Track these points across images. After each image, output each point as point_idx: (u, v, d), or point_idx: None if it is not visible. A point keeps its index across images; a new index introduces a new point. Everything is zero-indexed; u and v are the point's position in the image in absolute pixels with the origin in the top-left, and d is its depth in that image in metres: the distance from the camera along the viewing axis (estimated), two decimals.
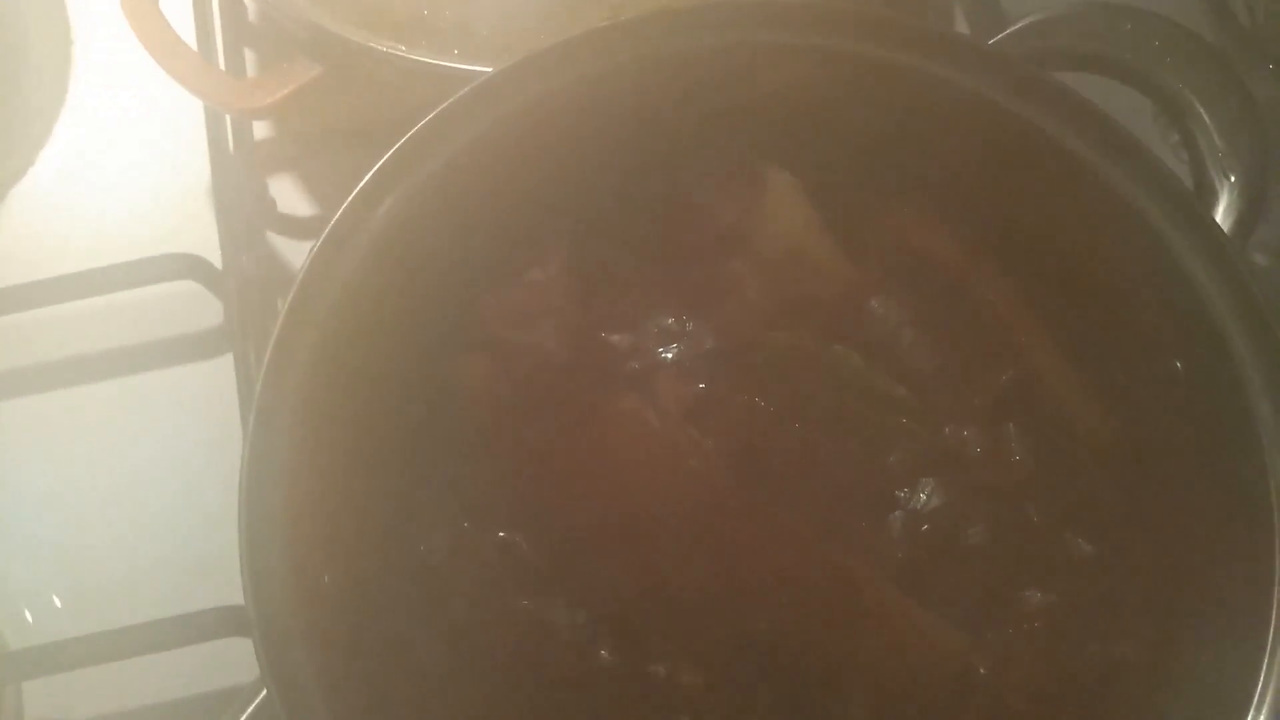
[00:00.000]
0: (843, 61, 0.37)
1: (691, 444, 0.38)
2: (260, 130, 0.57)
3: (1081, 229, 0.38)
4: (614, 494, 0.38)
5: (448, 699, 0.36)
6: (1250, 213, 0.37)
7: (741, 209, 0.40)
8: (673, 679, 0.37)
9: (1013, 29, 0.39)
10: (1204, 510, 0.36)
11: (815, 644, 0.37)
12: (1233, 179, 0.37)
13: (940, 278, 0.40)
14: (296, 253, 0.55)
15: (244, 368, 0.52)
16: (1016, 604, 0.37)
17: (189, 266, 0.52)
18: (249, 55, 0.57)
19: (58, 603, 0.50)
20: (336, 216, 0.37)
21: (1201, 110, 0.38)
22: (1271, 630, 0.32)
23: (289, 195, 0.56)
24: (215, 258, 0.53)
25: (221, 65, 0.56)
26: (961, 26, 0.52)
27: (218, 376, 0.53)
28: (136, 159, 0.58)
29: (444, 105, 0.37)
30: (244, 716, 0.36)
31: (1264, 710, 0.31)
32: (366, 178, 0.37)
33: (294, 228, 0.56)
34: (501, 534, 0.39)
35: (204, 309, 0.54)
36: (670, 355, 0.40)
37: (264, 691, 0.35)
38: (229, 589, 0.47)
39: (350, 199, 0.37)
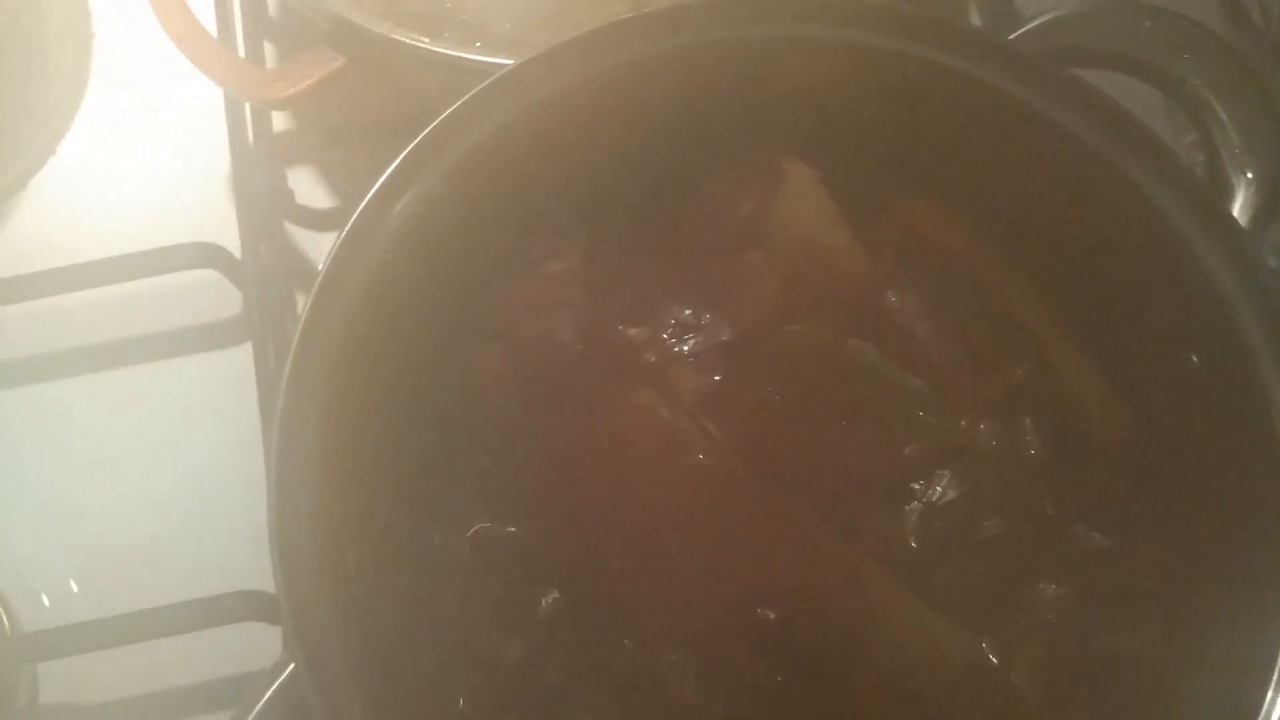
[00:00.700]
0: (861, 55, 0.38)
1: (703, 438, 0.38)
2: (279, 121, 0.57)
3: (1098, 223, 0.38)
4: (626, 487, 0.39)
5: (468, 680, 0.36)
6: (1267, 209, 0.37)
7: (759, 201, 0.41)
8: (678, 673, 0.37)
9: (1029, 26, 0.39)
10: (1217, 502, 0.36)
11: (821, 641, 0.37)
12: (1249, 175, 0.38)
13: (956, 271, 0.41)
14: (314, 243, 0.56)
15: (262, 356, 0.52)
16: (1030, 595, 0.37)
17: (209, 255, 0.53)
18: (268, 46, 0.58)
19: (74, 587, 0.51)
20: (359, 210, 0.37)
21: (1218, 107, 0.39)
22: None
23: (308, 186, 0.57)
24: (234, 247, 0.54)
25: (242, 56, 0.56)
26: (974, 22, 0.52)
27: (236, 364, 0.53)
28: (156, 149, 0.58)
29: (464, 99, 0.37)
30: (262, 701, 0.36)
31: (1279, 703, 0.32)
32: (389, 171, 0.37)
33: (312, 219, 0.56)
34: (512, 529, 0.39)
35: (223, 298, 0.54)
36: (686, 347, 0.40)
37: (282, 676, 0.36)
38: (245, 574, 0.48)
39: (372, 192, 0.37)
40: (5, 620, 0.49)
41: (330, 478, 0.34)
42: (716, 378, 0.40)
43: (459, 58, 0.44)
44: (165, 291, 0.54)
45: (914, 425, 0.39)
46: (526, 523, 0.39)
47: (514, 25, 0.47)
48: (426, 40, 0.44)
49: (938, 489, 0.39)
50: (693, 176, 0.41)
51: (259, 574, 0.45)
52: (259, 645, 0.47)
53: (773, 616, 0.37)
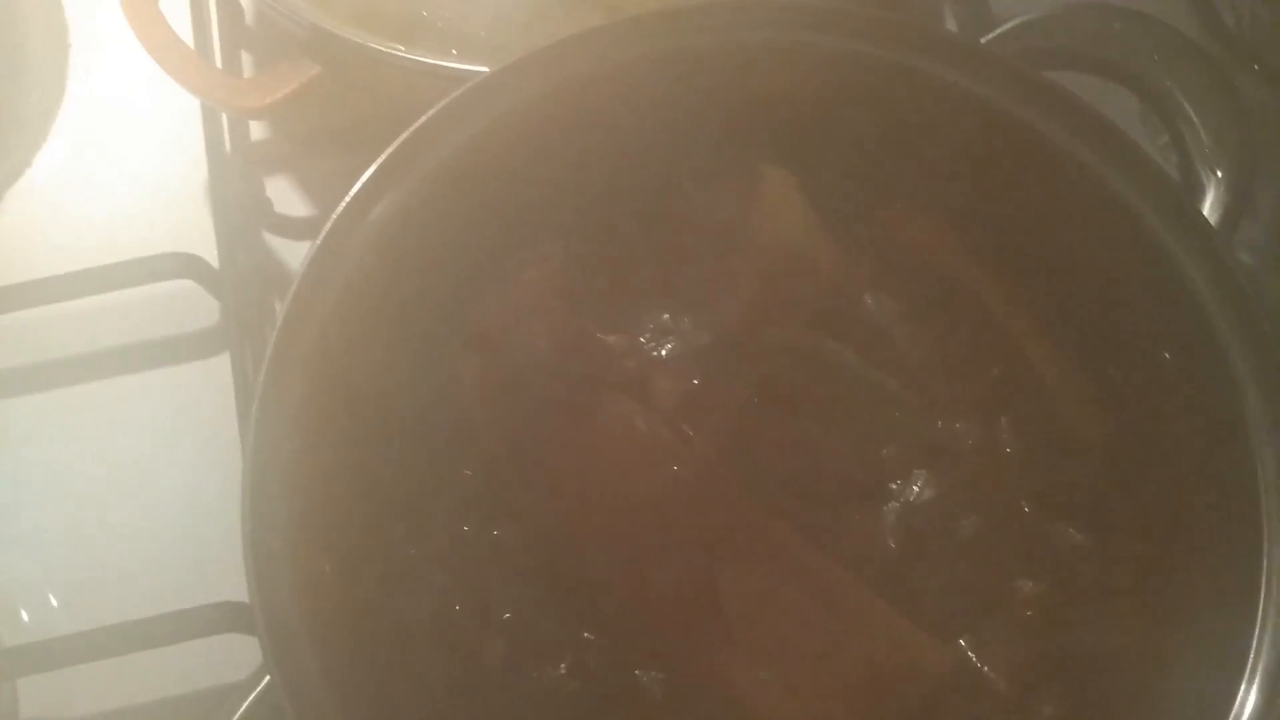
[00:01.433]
0: (837, 60, 0.38)
1: (680, 448, 0.38)
2: (257, 130, 0.57)
3: (1072, 224, 0.39)
4: (604, 496, 0.39)
5: (447, 684, 0.36)
6: (1236, 207, 0.38)
7: (737, 206, 0.41)
8: (650, 684, 0.37)
9: (1002, 29, 0.40)
10: (1193, 498, 0.37)
11: (792, 650, 0.37)
12: (1219, 174, 0.38)
13: (933, 273, 0.41)
14: (293, 252, 0.56)
15: (240, 366, 0.52)
16: (1008, 593, 0.38)
17: (186, 265, 0.52)
18: (245, 56, 0.58)
19: (54, 601, 0.50)
20: (334, 217, 0.37)
21: (1189, 108, 0.39)
22: (1259, 615, 0.33)
23: (285, 195, 0.57)
24: (212, 257, 0.54)
25: (218, 66, 0.56)
26: (950, 27, 0.53)
27: (214, 375, 0.53)
28: (133, 159, 0.58)
29: (438, 106, 0.37)
30: (240, 712, 0.36)
31: (1253, 693, 0.32)
32: (363, 178, 0.37)
33: (290, 227, 0.56)
34: (495, 532, 0.39)
35: (201, 308, 0.54)
36: (665, 351, 0.40)
37: (259, 687, 0.36)
38: (225, 585, 0.47)
39: (347, 200, 0.37)
40: None
41: (305, 486, 0.34)
42: (695, 381, 0.40)
43: (436, 65, 0.44)
44: (142, 302, 0.53)
45: (891, 426, 0.39)
46: (507, 526, 0.39)
47: (490, 32, 0.47)
48: (402, 48, 0.44)
49: (915, 489, 0.39)
50: (670, 182, 0.41)
51: (238, 585, 0.44)
52: (239, 656, 0.47)
53: (742, 629, 0.37)
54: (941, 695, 0.36)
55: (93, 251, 0.54)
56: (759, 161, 0.41)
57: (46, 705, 0.49)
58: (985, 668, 0.37)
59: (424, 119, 0.38)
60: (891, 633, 0.36)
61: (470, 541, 0.39)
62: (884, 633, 0.36)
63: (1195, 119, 0.39)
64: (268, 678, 0.34)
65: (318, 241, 0.37)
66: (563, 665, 0.36)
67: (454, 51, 0.45)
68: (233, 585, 0.47)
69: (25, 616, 0.50)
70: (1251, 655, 0.32)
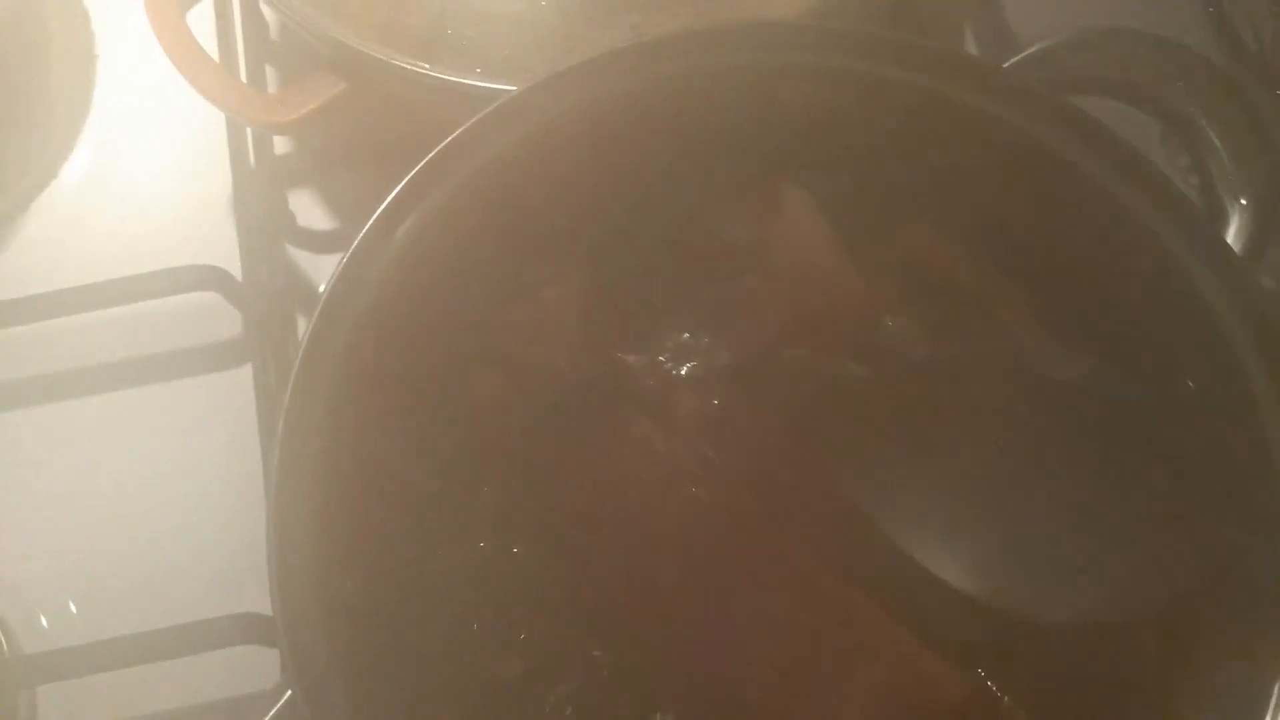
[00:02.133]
0: (858, 83, 0.38)
1: (700, 470, 0.38)
2: (281, 145, 0.57)
3: (1094, 248, 0.39)
4: (623, 518, 0.39)
5: (467, 701, 0.36)
6: (1261, 235, 0.38)
7: (756, 227, 0.41)
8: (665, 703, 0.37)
9: (1025, 54, 0.40)
10: (1216, 526, 0.36)
11: (809, 675, 0.37)
12: (1243, 201, 0.38)
13: (954, 296, 0.41)
14: (315, 265, 0.56)
15: (262, 378, 0.52)
16: (1029, 623, 0.37)
17: (209, 278, 0.53)
18: (270, 71, 0.58)
19: (73, 609, 0.51)
20: (362, 234, 0.37)
21: (1212, 133, 0.39)
22: None
23: (309, 209, 0.57)
24: (235, 270, 0.54)
25: (243, 80, 0.56)
26: (971, 50, 0.53)
27: (237, 386, 0.53)
28: (158, 171, 0.58)
29: (465, 126, 0.38)
30: None
31: None
32: (391, 195, 0.37)
33: (313, 241, 0.57)
34: (515, 550, 0.39)
35: (224, 320, 0.54)
36: (685, 371, 0.40)
37: (280, 701, 0.36)
38: (244, 596, 0.48)
39: (375, 217, 0.37)
40: (4, 642, 0.49)
41: (330, 502, 0.34)
42: (715, 402, 0.40)
43: (459, 84, 0.44)
44: (165, 313, 0.54)
45: (914, 451, 0.39)
46: (528, 544, 0.39)
47: (513, 51, 0.47)
48: (427, 66, 0.44)
49: (939, 512, 0.39)
50: (691, 202, 0.41)
51: (258, 597, 0.45)
52: (258, 668, 0.48)
53: (762, 657, 0.37)
54: None
55: (116, 263, 0.54)
56: (779, 182, 0.41)
57: (66, 713, 0.49)
58: (1005, 697, 0.37)
59: (450, 139, 0.38)
60: (909, 658, 0.36)
61: (488, 560, 0.39)
62: (902, 658, 0.36)
63: (1219, 144, 0.39)
64: (290, 691, 0.34)
65: (344, 259, 0.37)
66: (577, 687, 0.36)
67: (477, 70, 0.45)
68: (253, 596, 0.47)
69: (45, 623, 0.51)
70: (1277, 688, 0.32)
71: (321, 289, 0.37)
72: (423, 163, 0.37)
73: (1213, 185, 0.38)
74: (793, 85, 0.39)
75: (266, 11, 0.58)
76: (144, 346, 0.54)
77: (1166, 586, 0.37)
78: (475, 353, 0.40)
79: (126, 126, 0.59)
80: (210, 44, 0.56)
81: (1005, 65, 0.40)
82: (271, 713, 0.36)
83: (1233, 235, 0.38)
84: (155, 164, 0.58)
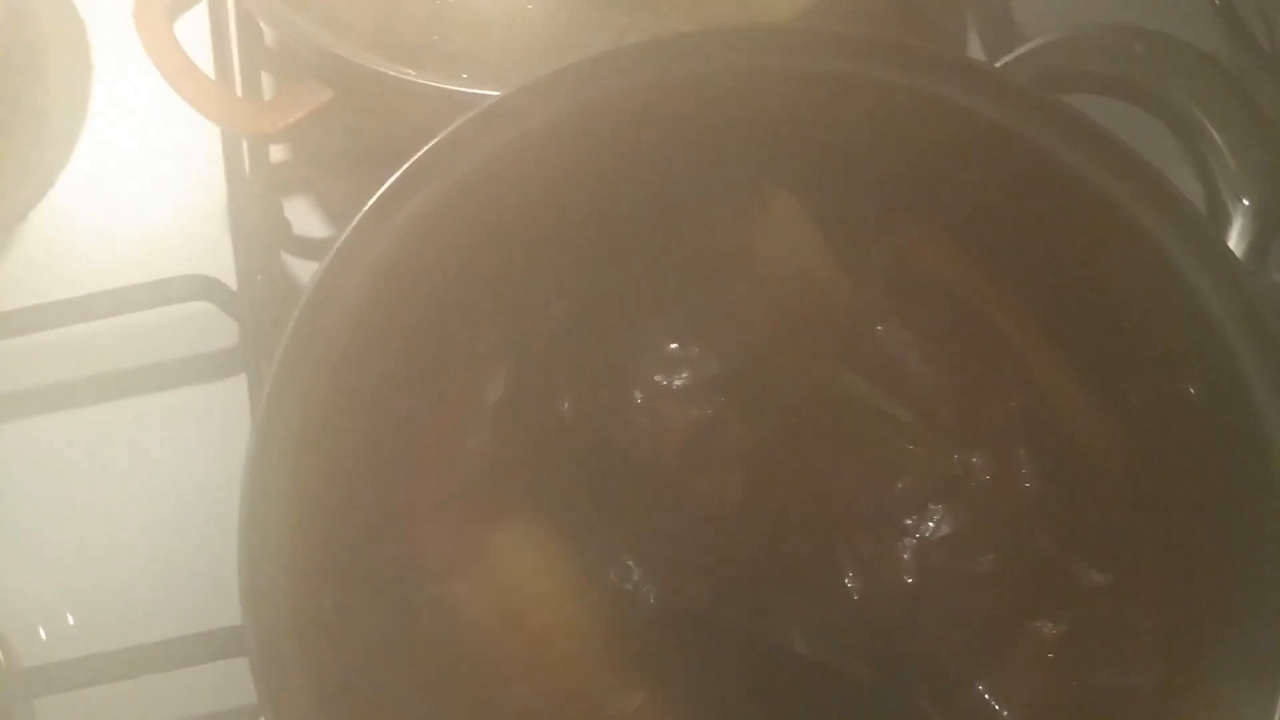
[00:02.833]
0: (846, 85, 0.37)
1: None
2: (276, 153, 0.57)
3: (1091, 251, 0.38)
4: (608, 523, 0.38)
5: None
6: (1263, 236, 0.36)
7: (744, 233, 0.40)
8: None
9: (1023, 50, 0.39)
10: (1218, 537, 0.35)
11: None
12: (1246, 202, 0.37)
13: (948, 300, 0.40)
14: (310, 274, 0.55)
15: (258, 389, 0.52)
16: (1026, 632, 0.37)
17: (203, 288, 0.52)
18: (266, 79, 0.58)
19: (71, 620, 0.51)
20: (342, 238, 0.37)
21: (1214, 132, 0.38)
22: None
23: (305, 217, 0.57)
24: (230, 279, 0.54)
25: (238, 89, 0.56)
26: (975, 46, 0.52)
27: (232, 397, 0.53)
28: (154, 181, 0.58)
29: (447, 130, 0.37)
30: None
31: None
32: (372, 200, 0.37)
33: (309, 249, 0.56)
34: None
35: (219, 329, 0.54)
36: (673, 382, 0.39)
37: None
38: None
39: (356, 221, 0.37)
40: (1, 655, 0.49)
41: (304, 515, 0.34)
42: (706, 412, 0.39)
43: (447, 90, 0.44)
44: (160, 324, 0.53)
45: (906, 459, 0.38)
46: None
47: (501, 56, 0.46)
48: (414, 73, 0.44)
49: (931, 524, 0.38)
50: (678, 208, 0.41)
51: None
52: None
53: None
54: None
55: (111, 273, 0.54)
56: (767, 187, 0.40)
57: None
58: (1005, 712, 0.36)
59: (431, 145, 0.37)
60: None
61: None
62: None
63: (1221, 144, 0.38)
64: None
65: (324, 263, 0.37)
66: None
67: (465, 76, 0.44)
68: None
69: (43, 634, 0.50)
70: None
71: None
72: (403, 168, 0.37)
73: (1215, 186, 0.37)
74: (779, 89, 0.38)
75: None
76: (138, 357, 0.54)
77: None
78: (457, 358, 0.40)
79: (122, 136, 0.59)
80: (205, 53, 0.56)
81: (1001, 62, 0.39)
82: None
83: (1235, 236, 0.37)
84: (150, 174, 0.58)
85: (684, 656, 0.37)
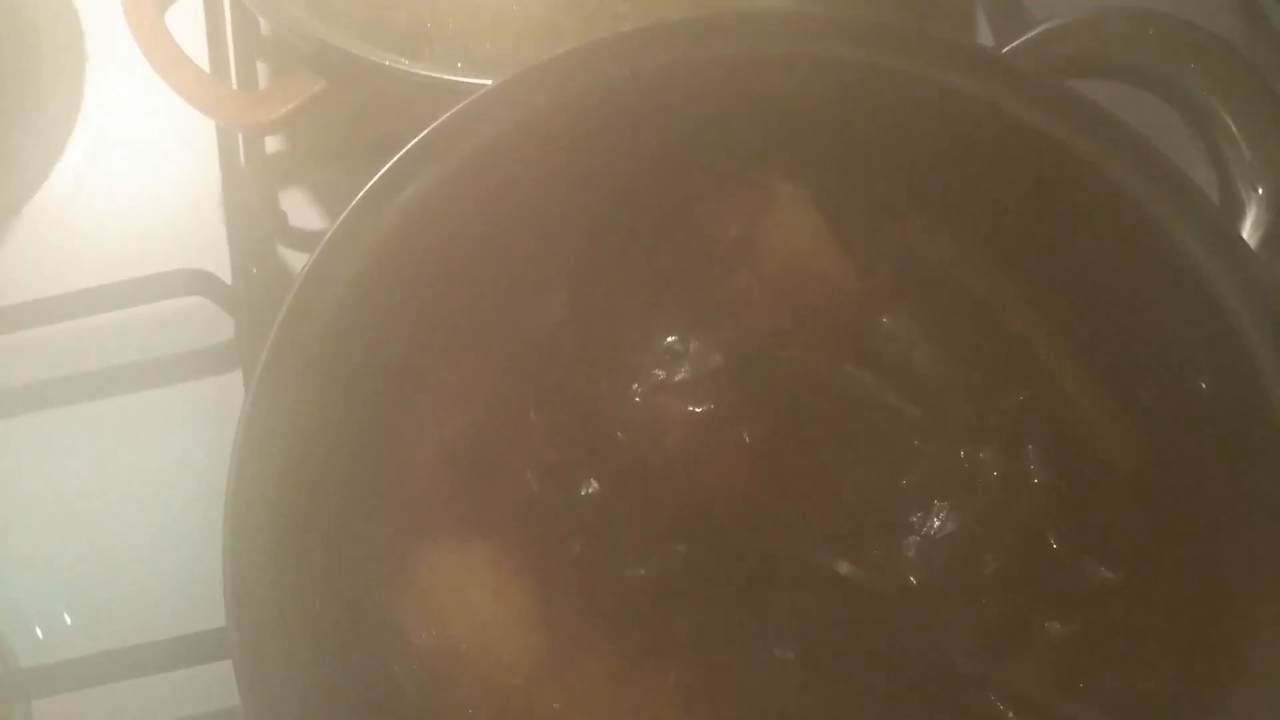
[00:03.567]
0: (849, 71, 0.36)
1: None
2: (272, 144, 0.56)
3: (1101, 242, 0.37)
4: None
5: None
6: (1278, 227, 0.35)
7: (747, 223, 0.39)
8: None
9: (1032, 34, 0.38)
10: (1231, 537, 0.34)
11: None
12: (1260, 191, 0.36)
13: (955, 292, 0.39)
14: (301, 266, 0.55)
15: (253, 383, 0.51)
16: (1035, 633, 0.36)
17: (198, 282, 0.52)
18: (262, 69, 0.57)
19: (68, 619, 0.50)
20: (333, 229, 0.36)
21: (1228, 119, 0.37)
22: None
23: (301, 209, 0.56)
24: (225, 271, 0.53)
25: (234, 80, 0.55)
26: (983, 30, 0.51)
27: (227, 391, 0.52)
28: (149, 174, 0.57)
29: (439, 120, 0.36)
30: None
31: None
32: (363, 191, 0.36)
33: (305, 241, 0.55)
34: None
35: (214, 323, 0.53)
36: (677, 375, 0.39)
37: None
38: None
39: (347, 212, 0.36)
40: None
41: (290, 517, 0.33)
42: (707, 407, 0.38)
43: (439, 79, 0.43)
44: (154, 318, 0.53)
45: (912, 455, 0.37)
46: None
47: (496, 45, 0.46)
48: (407, 62, 0.43)
49: (937, 521, 0.37)
50: (679, 197, 0.40)
51: None
52: None
53: None
54: None
55: (106, 267, 0.53)
56: (770, 176, 0.39)
57: None
58: (1010, 713, 0.35)
59: (425, 133, 0.37)
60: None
61: None
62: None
63: (1235, 131, 0.37)
64: None
65: (313, 257, 0.36)
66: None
67: (459, 65, 0.44)
68: None
69: (40, 633, 0.50)
70: None
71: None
72: (391, 161, 0.36)
73: (1229, 174, 0.36)
74: (781, 76, 0.37)
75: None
76: (133, 352, 0.53)
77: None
78: (451, 350, 0.39)
79: (117, 128, 0.58)
80: (200, 42, 0.55)
81: (1010, 47, 0.38)
82: None
83: (1250, 226, 0.36)
84: (145, 166, 0.57)
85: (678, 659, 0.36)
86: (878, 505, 0.38)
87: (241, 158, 0.55)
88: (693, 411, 0.38)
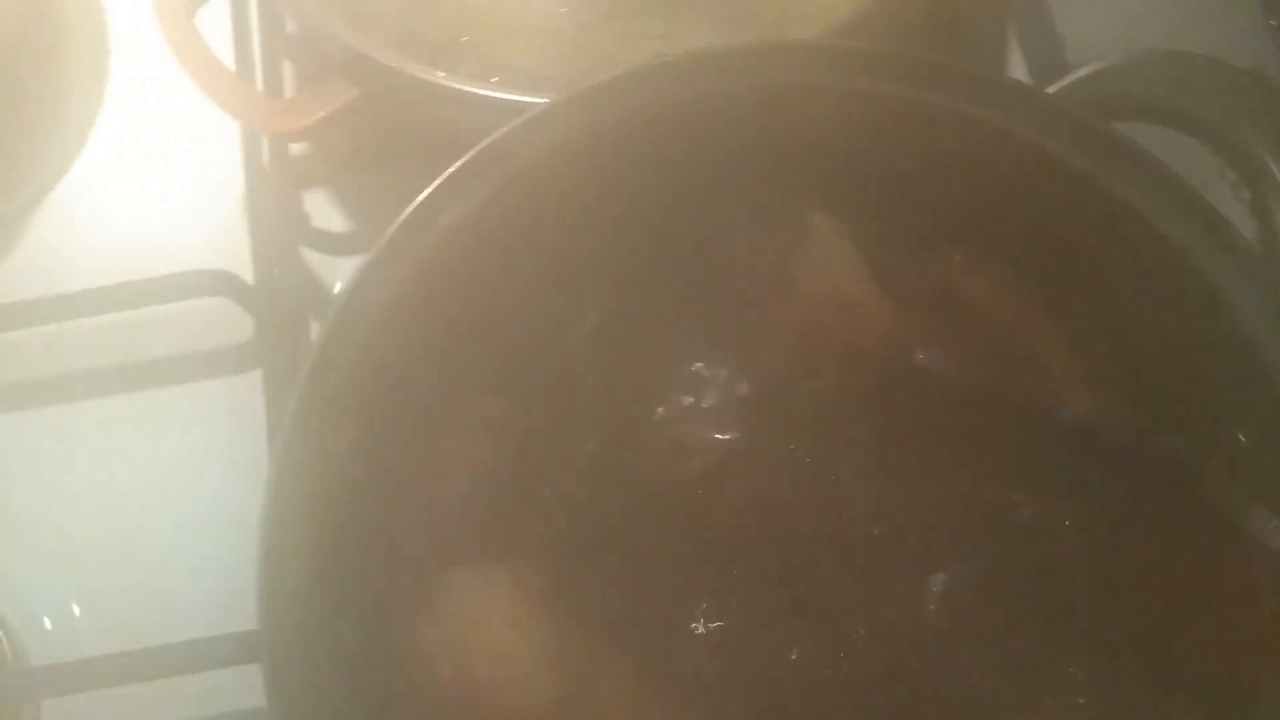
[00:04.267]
0: (891, 106, 0.36)
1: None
2: (296, 145, 0.56)
3: (1139, 286, 0.37)
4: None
5: None
6: None
7: (781, 253, 0.39)
8: None
9: (1075, 76, 0.38)
10: (1265, 587, 0.34)
11: None
12: None
13: (990, 329, 0.39)
14: (329, 268, 0.55)
15: (273, 384, 0.51)
16: (1059, 679, 0.36)
17: (220, 282, 0.52)
18: (288, 72, 0.57)
19: (77, 612, 0.50)
20: (381, 242, 0.36)
21: (1271, 164, 0.37)
22: None
23: (324, 211, 0.56)
24: (247, 273, 0.53)
25: (259, 82, 0.55)
26: (1017, 65, 0.50)
27: (247, 392, 0.52)
28: (171, 171, 0.57)
29: (484, 142, 0.36)
30: None
31: None
32: (415, 202, 0.36)
33: (328, 243, 0.55)
34: None
35: (235, 322, 0.53)
36: (700, 404, 0.38)
37: None
38: (252, 603, 0.47)
39: (394, 226, 0.36)
40: (7, 651, 0.49)
41: (325, 530, 0.33)
42: (733, 435, 0.38)
43: (474, 93, 0.42)
44: (176, 316, 0.52)
45: (940, 493, 0.37)
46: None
47: (531, 60, 0.45)
48: (442, 74, 0.43)
49: (965, 560, 0.37)
50: (715, 226, 0.40)
51: None
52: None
53: None
54: None
55: (127, 265, 0.53)
56: (805, 207, 0.39)
57: None
58: None
59: (474, 151, 0.37)
60: None
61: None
62: None
63: (1277, 175, 0.37)
64: None
65: (353, 277, 0.36)
66: None
67: (494, 79, 0.43)
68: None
69: (49, 625, 0.50)
70: None
71: (337, 292, 0.36)
72: (443, 176, 0.36)
73: (1272, 221, 0.36)
74: (821, 107, 0.37)
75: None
76: (154, 350, 0.53)
77: None
78: (485, 379, 0.39)
79: (139, 125, 0.58)
80: (226, 44, 0.55)
81: (1055, 87, 0.38)
82: None
83: None
84: (167, 164, 0.57)
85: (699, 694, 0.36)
86: (905, 539, 0.37)
87: (265, 158, 0.55)
88: (718, 439, 0.38)
